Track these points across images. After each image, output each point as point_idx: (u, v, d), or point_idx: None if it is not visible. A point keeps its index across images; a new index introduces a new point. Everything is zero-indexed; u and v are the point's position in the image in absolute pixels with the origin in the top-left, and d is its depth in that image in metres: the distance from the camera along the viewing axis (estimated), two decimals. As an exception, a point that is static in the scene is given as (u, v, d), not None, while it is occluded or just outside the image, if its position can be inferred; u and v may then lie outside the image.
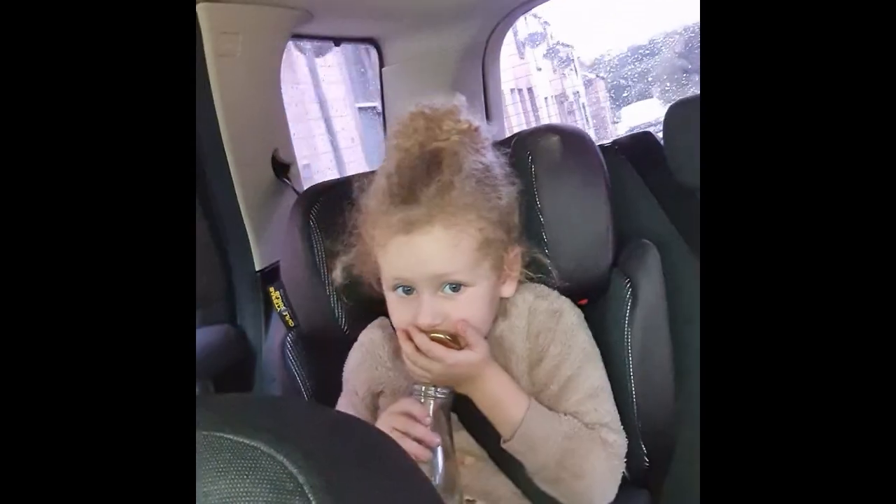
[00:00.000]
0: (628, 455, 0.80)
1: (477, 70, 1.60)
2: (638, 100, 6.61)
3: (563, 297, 0.82)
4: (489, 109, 1.62)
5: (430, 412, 0.69)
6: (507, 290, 0.78)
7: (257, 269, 1.08)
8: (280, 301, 0.97)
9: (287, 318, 0.95)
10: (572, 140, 0.85)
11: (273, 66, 1.10)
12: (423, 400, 0.70)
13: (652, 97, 6.39)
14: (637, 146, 1.15)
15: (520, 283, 0.81)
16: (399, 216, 0.70)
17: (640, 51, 6.64)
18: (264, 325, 1.09)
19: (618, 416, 0.79)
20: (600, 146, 1.16)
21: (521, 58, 6.49)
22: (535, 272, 0.81)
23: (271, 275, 1.04)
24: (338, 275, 0.80)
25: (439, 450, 0.68)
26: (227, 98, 0.99)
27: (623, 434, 0.79)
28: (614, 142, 1.19)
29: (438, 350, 0.70)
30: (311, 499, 0.26)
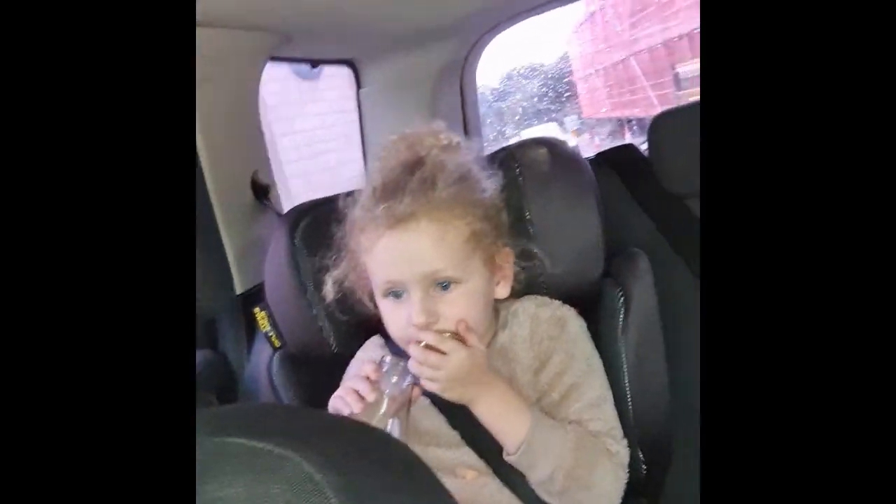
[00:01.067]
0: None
1: (455, 89, 1.62)
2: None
3: (567, 306, 0.82)
4: (467, 126, 1.64)
5: (390, 382, 0.69)
6: (502, 291, 0.79)
7: (238, 292, 1.07)
8: (266, 321, 0.96)
9: (273, 338, 0.94)
10: (560, 151, 0.87)
11: (251, 89, 1.10)
12: (385, 370, 0.70)
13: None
14: (621, 158, 1.17)
15: (516, 291, 0.81)
16: (384, 211, 0.70)
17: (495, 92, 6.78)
18: (246, 349, 1.08)
19: (620, 426, 0.79)
20: (588, 159, 1.18)
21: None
22: (528, 278, 0.82)
23: (251, 298, 1.03)
24: (329, 290, 0.79)
25: (395, 426, 0.68)
26: (205, 121, 0.99)
27: (625, 443, 0.78)
28: (598, 154, 1.21)
29: (433, 357, 0.70)
30: (331, 497, 0.26)
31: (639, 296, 0.84)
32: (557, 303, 0.82)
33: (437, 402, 0.78)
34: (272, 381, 0.91)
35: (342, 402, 0.71)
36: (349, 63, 1.46)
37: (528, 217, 0.82)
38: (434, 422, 0.78)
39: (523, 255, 0.82)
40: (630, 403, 0.82)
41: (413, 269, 0.71)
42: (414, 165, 0.73)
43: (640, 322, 0.83)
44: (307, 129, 4.68)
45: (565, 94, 7.31)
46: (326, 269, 0.79)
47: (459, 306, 0.72)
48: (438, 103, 1.54)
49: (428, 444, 0.77)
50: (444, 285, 0.72)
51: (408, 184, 0.70)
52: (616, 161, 1.16)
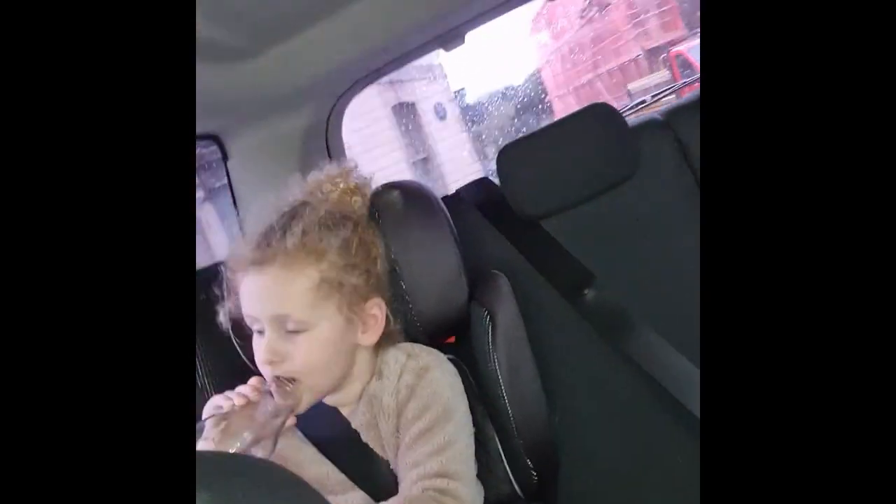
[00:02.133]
0: (517, 473, 0.86)
1: (321, 148, 1.67)
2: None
3: (436, 354, 0.87)
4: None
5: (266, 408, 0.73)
6: (368, 339, 0.83)
7: None
8: None
9: None
10: (411, 192, 0.94)
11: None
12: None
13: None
14: (477, 191, 1.26)
15: (394, 338, 0.86)
16: (248, 253, 0.77)
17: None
18: None
19: (471, 472, 0.81)
20: (445, 197, 1.26)
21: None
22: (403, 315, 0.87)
23: None
24: (223, 320, 0.84)
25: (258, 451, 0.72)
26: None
27: (475, 486, 0.82)
28: (457, 191, 1.29)
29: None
30: None
31: (502, 313, 0.92)
32: (426, 351, 0.87)
33: (324, 448, 0.81)
34: None
35: (224, 398, 0.74)
36: (213, 137, 1.49)
37: (392, 257, 0.88)
38: (321, 468, 0.81)
39: (398, 300, 0.87)
40: (511, 415, 0.89)
41: (264, 308, 0.77)
42: (289, 211, 0.79)
43: (508, 336, 0.91)
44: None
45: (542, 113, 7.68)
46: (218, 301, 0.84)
47: (304, 351, 0.77)
48: (307, 166, 1.58)
49: None
50: (294, 329, 0.77)
51: (274, 235, 0.77)
52: (473, 194, 1.25)
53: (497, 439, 0.93)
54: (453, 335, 0.97)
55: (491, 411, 0.92)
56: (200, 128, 1.45)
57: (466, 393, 0.93)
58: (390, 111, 9.67)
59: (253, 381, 0.76)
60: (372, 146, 8.96)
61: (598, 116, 1.20)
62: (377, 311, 0.84)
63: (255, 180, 1.54)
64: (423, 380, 0.82)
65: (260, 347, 0.78)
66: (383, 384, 0.83)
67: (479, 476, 0.86)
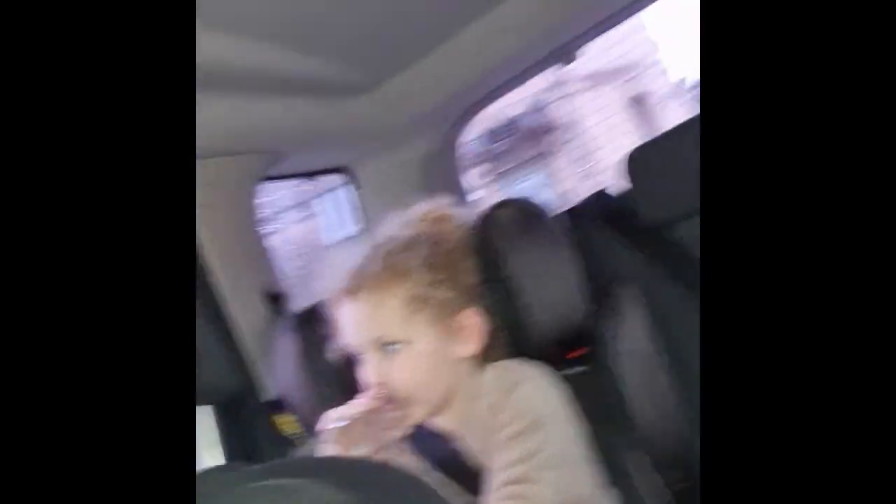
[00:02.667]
0: (654, 489, 0.81)
1: (445, 172, 1.70)
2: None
3: (529, 368, 0.84)
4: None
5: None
6: (467, 349, 0.83)
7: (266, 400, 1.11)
8: (294, 424, 0.99)
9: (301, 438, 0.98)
10: (525, 208, 0.93)
11: (250, 208, 1.19)
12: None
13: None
14: (597, 203, 1.22)
15: (490, 355, 0.85)
16: (341, 287, 0.82)
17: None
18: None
19: (562, 477, 0.77)
20: (566, 210, 1.23)
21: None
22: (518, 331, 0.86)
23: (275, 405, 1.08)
24: (333, 352, 0.87)
25: None
26: (211, 245, 1.07)
27: (563, 491, 0.77)
28: (574, 206, 1.26)
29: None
30: None
31: (630, 324, 0.88)
32: (520, 366, 0.84)
33: (436, 470, 0.84)
34: None
35: (341, 410, 0.77)
36: (343, 170, 1.56)
37: (507, 276, 0.87)
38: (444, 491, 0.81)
39: (499, 312, 0.86)
40: (642, 429, 0.84)
41: (361, 334, 0.81)
42: (381, 246, 0.83)
43: (636, 349, 0.87)
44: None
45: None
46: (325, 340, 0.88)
47: (406, 369, 0.79)
48: (434, 191, 1.61)
49: None
50: (392, 347, 0.79)
51: (366, 265, 0.81)
52: (593, 207, 1.21)
53: (629, 456, 0.88)
54: (579, 348, 0.94)
55: (621, 427, 0.88)
56: (329, 161, 1.53)
57: (598, 406, 0.87)
58: (626, 103, 10.68)
59: (368, 393, 0.79)
60: (614, 137, 9.76)
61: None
62: (473, 320, 0.84)
63: (385, 208, 1.59)
64: (513, 394, 0.81)
65: (367, 373, 0.81)
66: (480, 404, 0.83)
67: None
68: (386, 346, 0.79)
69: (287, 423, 1.00)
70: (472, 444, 0.84)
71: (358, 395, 0.80)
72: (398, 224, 0.87)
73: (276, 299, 1.17)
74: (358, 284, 0.80)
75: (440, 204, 0.90)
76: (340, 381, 0.89)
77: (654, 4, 1.50)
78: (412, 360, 0.79)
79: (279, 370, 0.97)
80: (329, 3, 0.98)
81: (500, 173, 10.69)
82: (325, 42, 1.09)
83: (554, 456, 0.77)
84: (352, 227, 1.66)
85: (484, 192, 9.78)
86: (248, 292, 1.15)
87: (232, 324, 1.10)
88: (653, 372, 0.88)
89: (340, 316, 0.83)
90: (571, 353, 0.93)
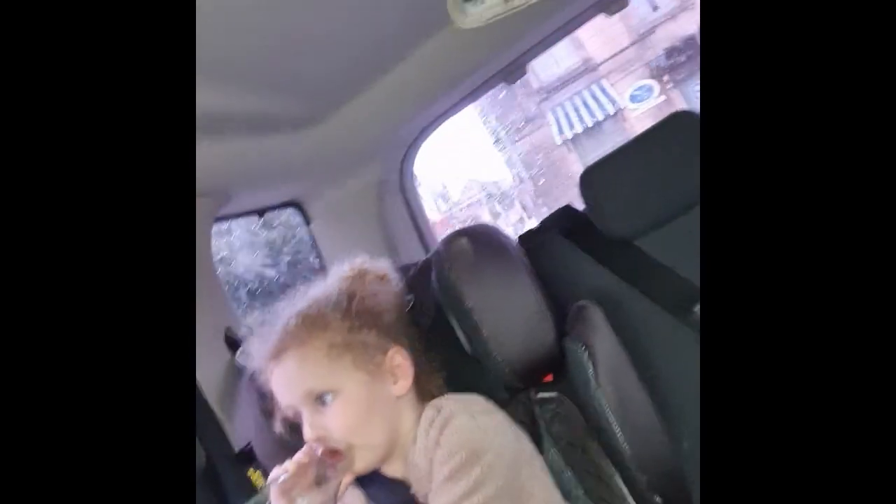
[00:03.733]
0: None
1: (399, 204, 1.68)
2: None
3: (464, 400, 0.85)
4: (423, 238, 1.69)
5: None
6: (399, 388, 0.84)
7: (237, 450, 1.07)
8: (262, 479, 0.96)
9: None
10: (480, 236, 0.93)
11: (206, 251, 1.15)
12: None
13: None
14: (562, 220, 1.23)
15: (426, 394, 0.86)
16: (265, 354, 0.83)
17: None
18: None
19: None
20: (529, 231, 1.23)
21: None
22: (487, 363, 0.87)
23: (246, 456, 1.03)
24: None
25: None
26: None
27: None
28: (541, 223, 1.26)
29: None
30: None
31: (600, 343, 0.88)
32: (454, 400, 0.85)
33: None
34: None
35: (283, 468, 0.77)
36: (294, 204, 1.53)
37: (468, 307, 0.87)
38: None
39: (478, 348, 0.87)
40: (627, 449, 0.84)
41: (292, 393, 0.81)
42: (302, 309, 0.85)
43: (610, 367, 0.87)
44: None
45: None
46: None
47: (340, 417, 0.80)
48: (388, 220, 1.60)
49: None
50: (324, 400, 0.80)
51: (286, 327, 0.83)
52: (558, 224, 1.22)
53: (618, 477, 0.87)
54: (548, 373, 0.93)
55: (607, 448, 0.87)
56: (279, 196, 1.49)
57: (577, 430, 0.89)
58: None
59: (304, 448, 0.79)
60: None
61: (680, 126, 1.15)
62: (399, 358, 0.85)
63: (339, 239, 1.57)
64: (447, 429, 0.80)
65: (305, 428, 0.81)
66: (416, 447, 0.83)
67: None
68: (317, 399, 0.80)
69: (258, 477, 0.96)
70: (419, 489, 0.83)
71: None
72: (317, 287, 0.88)
73: (237, 345, 1.13)
74: (279, 347, 0.82)
75: (358, 262, 0.91)
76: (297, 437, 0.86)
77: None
78: (344, 408, 0.80)
79: (243, 422, 0.94)
80: (269, 38, 0.96)
81: (677, 81, 12.94)
82: (269, 78, 1.07)
83: (499, 488, 0.76)
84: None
85: (664, 97, 12.60)
86: (210, 338, 1.11)
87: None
88: (630, 389, 0.88)
89: (273, 382, 0.84)
90: (543, 378, 0.92)
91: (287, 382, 0.82)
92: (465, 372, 0.91)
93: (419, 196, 1.78)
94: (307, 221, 1.56)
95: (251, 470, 0.97)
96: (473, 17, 1.08)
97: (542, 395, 0.92)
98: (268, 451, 0.92)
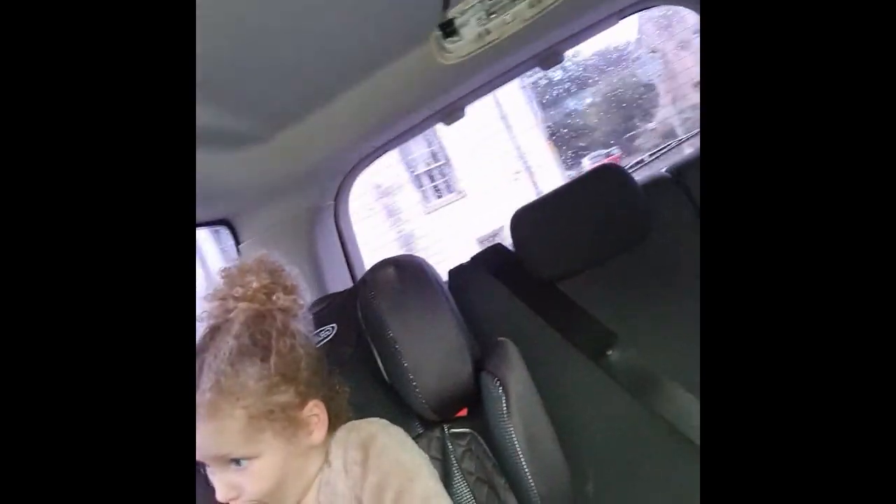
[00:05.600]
0: None
1: (332, 231, 1.68)
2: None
3: (376, 421, 0.85)
4: (350, 262, 1.69)
5: None
6: (316, 438, 0.82)
7: None
8: None
9: None
10: (406, 267, 0.95)
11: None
12: None
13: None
14: (492, 257, 1.26)
15: (334, 424, 0.84)
16: None
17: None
18: None
19: None
20: (460, 265, 1.25)
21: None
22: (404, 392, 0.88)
23: None
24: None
25: None
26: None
27: None
28: (471, 258, 1.29)
29: None
30: None
31: (514, 380, 0.90)
32: (366, 422, 0.86)
33: None
34: None
35: None
36: (225, 222, 1.50)
37: (391, 335, 0.89)
38: None
39: (398, 380, 0.87)
40: (534, 486, 0.87)
41: (205, 454, 0.76)
42: (205, 346, 0.77)
43: (522, 404, 0.90)
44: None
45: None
46: None
47: (257, 481, 0.77)
48: (318, 246, 1.60)
49: None
50: (239, 462, 0.76)
51: (198, 385, 0.75)
52: (487, 261, 1.25)
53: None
54: (463, 407, 0.95)
55: (513, 484, 0.89)
56: (211, 214, 1.47)
57: (485, 467, 0.91)
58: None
59: None
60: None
61: (608, 179, 1.21)
62: (317, 410, 0.82)
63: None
64: (372, 449, 0.80)
65: (216, 486, 0.77)
66: (332, 470, 0.81)
67: None
68: (232, 461, 0.76)
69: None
70: None
71: None
72: (220, 293, 0.80)
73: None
74: (198, 408, 0.74)
75: (261, 261, 0.83)
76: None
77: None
78: (261, 471, 0.77)
79: None
80: (222, 54, 0.96)
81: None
82: (216, 94, 1.06)
83: (437, 493, 0.79)
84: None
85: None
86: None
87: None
88: (539, 427, 0.91)
89: None
90: (457, 412, 0.94)
91: (201, 444, 0.75)
92: (381, 403, 0.92)
93: (352, 225, 1.78)
94: (237, 241, 1.54)
95: None
96: (454, 52, 1.11)
97: (454, 430, 0.94)
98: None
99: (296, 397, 0.79)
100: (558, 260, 1.16)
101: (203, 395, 0.74)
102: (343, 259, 1.69)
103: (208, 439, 0.75)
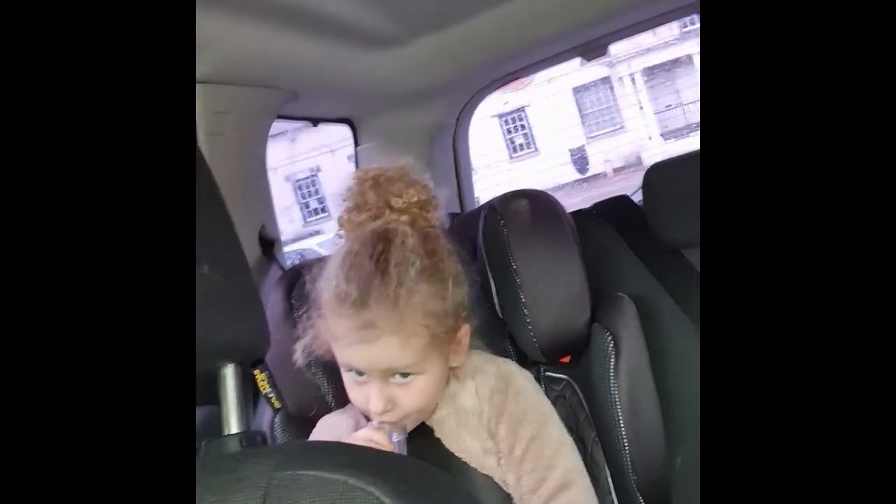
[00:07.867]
0: None
1: (447, 150, 1.66)
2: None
3: (509, 361, 0.87)
4: (461, 185, 1.67)
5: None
6: (456, 360, 0.84)
7: None
8: (265, 383, 0.95)
9: (273, 399, 0.94)
10: (540, 203, 0.93)
11: (260, 144, 1.14)
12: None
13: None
14: (615, 209, 1.21)
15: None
16: (349, 324, 0.74)
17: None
18: (253, 410, 1.06)
19: (581, 462, 0.84)
20: (580, 211, 1.21)
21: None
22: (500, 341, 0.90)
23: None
24: (299, 357, 0.82)
25: None
26: (216, 176, 1.00)
27: (587, 476, 0.83)
28: (594, 206, 1.25)
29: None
30: None
31: (627, 338, 0.88)
32: (501, 359, 0.87)
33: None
34: (274, 442, 0.90)
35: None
36: (348, 121, 1.50)
37: (514, 267, 0.88)
38: None
39: (513, 313, 0.87)
40: (627, 448, 0.86)
41: (373, 367, 0.77)
42: (378, 259, 0.74)
43: (631, 365, 0.87)
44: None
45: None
46: (298, 338, 0.82)
47: (416, 395, 0.78)
48: (434, 162, 1.58)
49: None
50: (404, 374, 0.77)
51: (370, 293, 0.73)
52: (610, 212, 1.20)
53: (608, 471, 0.88)
54: (568, 355, 0.92)
55: (604, 440, 0.88)
56: (338, 110, 1.47)
57: (577, 417, 0.90)
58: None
59: (375, 420, 0.78)
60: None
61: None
62: (465, 334, 0.83)
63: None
64: (511, 386, 0.83)
65: (370, 396, 0.77)
66: (462, 384, 0.83)
67: None
68: (396, 374, 0.77)
69: (261, 380, 0.96)
70: (443, 431, 0.83)
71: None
72: (374, 199, 0.78)
73: (270, 245, 1.12)
74: (374, 331, 0.74)
75: (405, 171, 0.80)
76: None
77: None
78: (424, 387, 0.79)
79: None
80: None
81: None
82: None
83: (571, 442, 0.83)
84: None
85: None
86: (245, 231, 1.10)
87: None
88: (644, 391, 0.88)
89: (342, 341, 0.77)
90: (562, 358, 0.92)
91: (371, 360, 0.76)
92: (479, 331, 0.91)
93: (468, 148, 1.75)
94: (356, 142, 1.54)
95: (256, 371, 0.97)
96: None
97: (549, 373, 0.93)
98: (276, 361, 0.90)
99: (456, 321, 0.81)
100: (689, 226, 1.10)
101: (385, 312, 0.73)
102: (454, 181, 1.67)
103: (387, 351, 0.75)
